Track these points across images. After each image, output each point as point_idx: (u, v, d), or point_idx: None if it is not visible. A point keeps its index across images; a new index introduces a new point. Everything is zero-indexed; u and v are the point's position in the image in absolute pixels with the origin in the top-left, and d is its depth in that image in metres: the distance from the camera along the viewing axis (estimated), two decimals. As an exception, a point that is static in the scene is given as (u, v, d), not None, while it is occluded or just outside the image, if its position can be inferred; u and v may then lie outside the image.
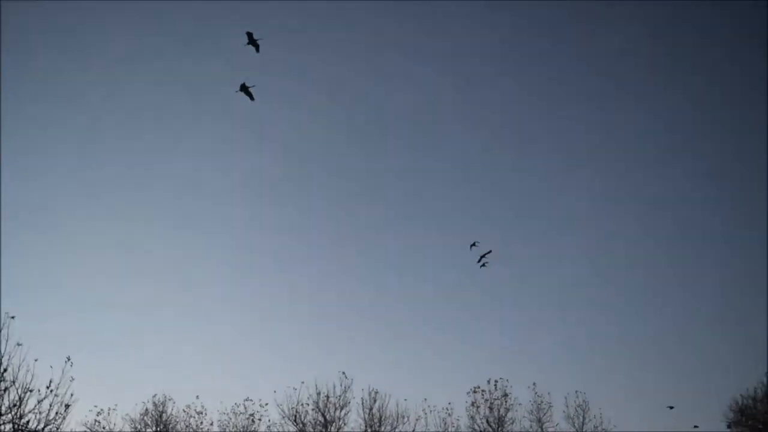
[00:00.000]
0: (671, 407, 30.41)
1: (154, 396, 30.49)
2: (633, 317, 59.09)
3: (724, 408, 31.75)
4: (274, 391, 34.21)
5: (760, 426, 30.65)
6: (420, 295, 62.52)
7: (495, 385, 28.99)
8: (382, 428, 27.14)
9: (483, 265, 24.94)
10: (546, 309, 60.43)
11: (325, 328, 59.17)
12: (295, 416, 26.97)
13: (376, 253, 67.13)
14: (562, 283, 60.56)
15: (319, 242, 69.85)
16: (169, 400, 30.48)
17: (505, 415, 28.77)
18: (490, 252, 24.52)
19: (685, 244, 64.37)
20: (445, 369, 55.92)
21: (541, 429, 29.08)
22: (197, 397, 40.21)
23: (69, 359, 18.66)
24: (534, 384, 29.56)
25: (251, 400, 29.32)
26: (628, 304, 61.58)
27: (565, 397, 30.01)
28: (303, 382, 29.25)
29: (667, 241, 64.08)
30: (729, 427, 30.73)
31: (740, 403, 31.53)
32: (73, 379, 18.75)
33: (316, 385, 27.45)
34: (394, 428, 27.34)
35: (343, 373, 27.80)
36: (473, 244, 25.17)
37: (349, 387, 27.32)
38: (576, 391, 30.93)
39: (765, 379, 31.29)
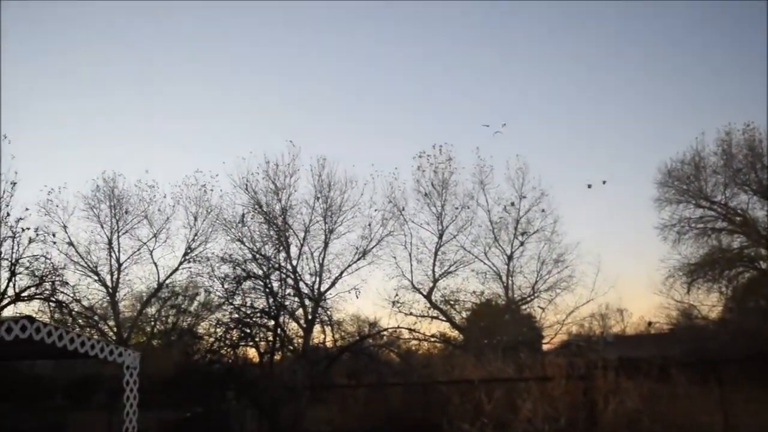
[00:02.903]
0: (604, 182, 31.97)
1: (104, 173, 30.63)
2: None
3: (654, 171, 33.78)
4: (224, 162, 35.56)
5: (684, 186, 32.86)
6: (367, 59, 61.41)
7: (440, 150, 30.23)
8: (332, 193, 28.41)
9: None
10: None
11: (272, 96, 58.72)
12: (247, 185, 27.99)
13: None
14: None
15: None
16: (119, 176, 30.85)
17: (449, 178, 30.44)
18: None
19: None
20: (391, 136, 57.72)
21: (483, 190, 30.84)
22: (147, 171, 41.65)
23: (6, 137, 19.15)
24: (477, 148, 30.90)
25: (201, 171, 30.22)
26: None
27: (507, 161, 31.57)
28: (251, 152, 30.24)
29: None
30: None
31: (669, 165, 33.29)
32: (13, 157, 19.34)
33: (264, 155, 28.23)
34: (343, 193, 28.59)
35: (291, 141, 28.60)
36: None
37: (297, 155, 28.08)
38: (516, 155, 32.68)
39: (694, 144, 32.92)
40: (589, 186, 30.74)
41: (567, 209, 49.62)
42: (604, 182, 30.78)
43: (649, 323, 34.52)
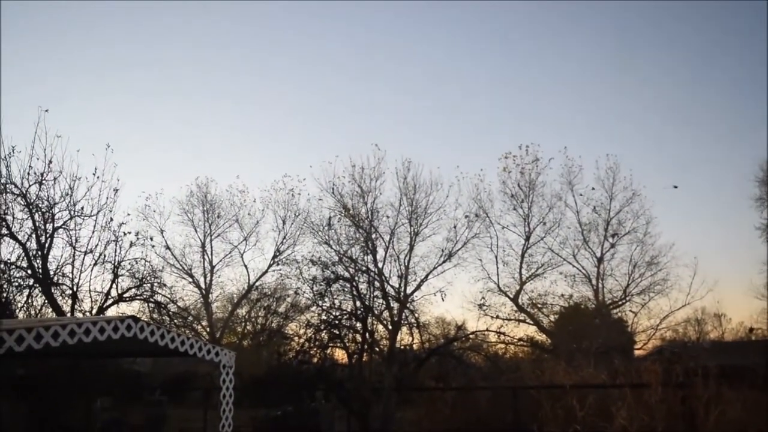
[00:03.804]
0: (675, 187, 30.67)
1: (197, 178, 32.21)
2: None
3: (755, 169, 31.91)
4: (310, 166, 36.37)
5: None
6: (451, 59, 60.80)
7: (526, 150, 29.49)
8: (417, 195, 28.22)
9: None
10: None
11: (357, 100, 59.21)
12: (333, 188, 28.20)
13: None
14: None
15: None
16: (212, 181, 32.09)
17: (536, 179, 29.68)
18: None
19: None
20: (476, 137, 57.10)
21: (572, 191, 30.06)
22: (237, 176, 43.18)
23: (109, 146, 19.04)
24: (565, 148, 30.06)
25: (289, 176, 30.81)
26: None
27: (596, 160, 30.60)
28: (337, 156, 30.60)
29: None
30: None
31: None
32: (116, 165, 19.17)
33: (350, 158, 28.34)
34: (429, 195, 28.33)
35: (376, 145, 28.58)
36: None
37: (382, 158, 27.97)
38: (607, 154, 31.63)
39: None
40: (675, 187, 29.85)
41: (661, 209, 47.70)
42: (675, 187, 30.04)
43: (751, 329, 32.90)
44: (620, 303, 29.60)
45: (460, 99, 60.95)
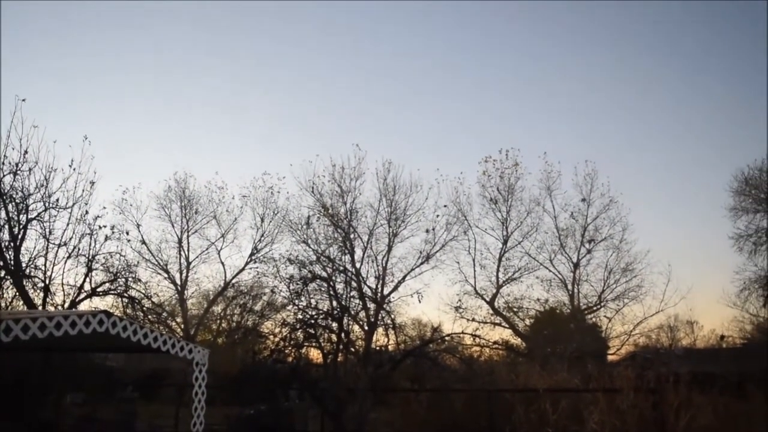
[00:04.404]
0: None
1: (175, 173, 31.93)
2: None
3: (730, 179, 32.22)
4: (291, 165, 36.26)
5: (762, 195, 31.24)
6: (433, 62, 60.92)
7: (506, 154, 29.75)
8: (396, 197, 28.30)
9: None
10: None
11: (339, 100, 59.04)
12: (313, 187, 28.16)
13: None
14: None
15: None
16: (190, 177, 31.94)
17: (516, 183, 29.95)
18: None
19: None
20: (457, 140, 57.26)
21: (550, 196, 30.29)
22: (217, 172, 43.12)
23: (86, 138, 18.83)
24: (545, 153, 30.36)
25: (269, 173, 30.70)
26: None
27: (575, 167, 30.88)
28: (318, 155, 30.51)
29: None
30: None
31: (746, 173, 31.48)
32: (93, 157, 18.92)
33: (330, 158, 28.32)
34: (408, 197, 28.42)
35: (357, 145, 28.59)
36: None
37: (363, 159, 28.02)
38: (585, 160, 31.93)
39: (773, 150, 31.20)
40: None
41: (637, 217, 48.23)
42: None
43: (722, 337, 33.29)
44: (595, 308, 29.87)
45: (442, 101, 61.16)
